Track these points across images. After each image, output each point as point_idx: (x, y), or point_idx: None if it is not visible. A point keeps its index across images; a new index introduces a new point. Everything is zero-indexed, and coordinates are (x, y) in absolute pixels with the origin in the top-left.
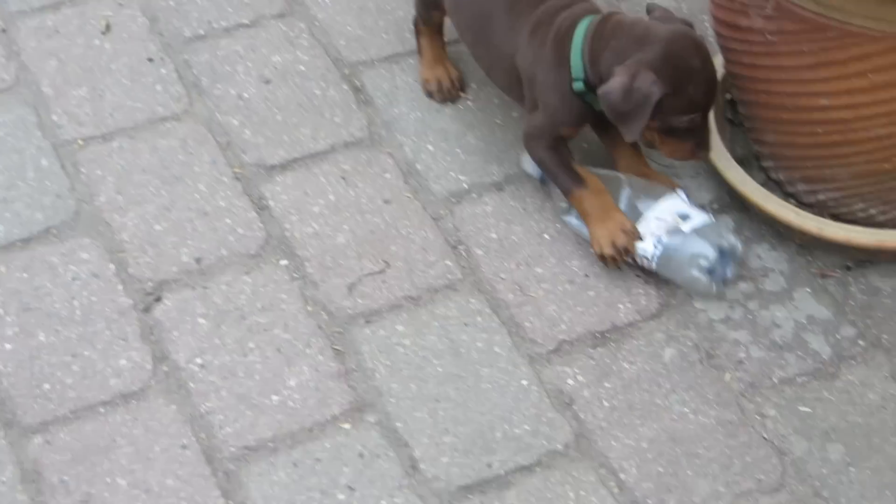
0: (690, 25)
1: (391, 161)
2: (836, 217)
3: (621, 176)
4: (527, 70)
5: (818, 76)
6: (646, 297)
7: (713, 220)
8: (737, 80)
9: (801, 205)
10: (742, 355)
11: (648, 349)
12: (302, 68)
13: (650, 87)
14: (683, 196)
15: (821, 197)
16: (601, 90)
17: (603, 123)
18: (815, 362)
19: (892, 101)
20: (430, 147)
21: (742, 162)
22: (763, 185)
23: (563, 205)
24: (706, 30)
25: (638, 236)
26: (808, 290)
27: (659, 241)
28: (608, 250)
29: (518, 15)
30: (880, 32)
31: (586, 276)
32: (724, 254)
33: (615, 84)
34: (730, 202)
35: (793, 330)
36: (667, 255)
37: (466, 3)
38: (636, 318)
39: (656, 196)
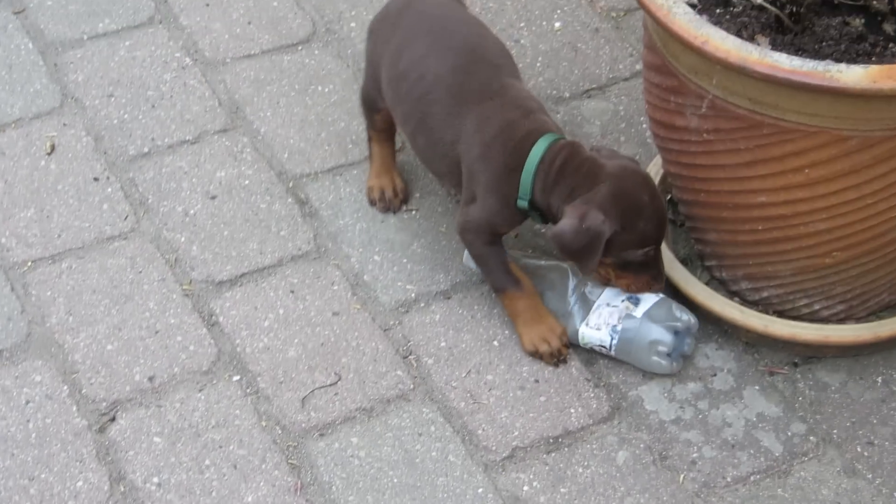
0: (635, 161)
1: (339, 273)
2: (781, 314)
3: (564, 265)
4: (469, 164)
5: (755, 173)
6: (596, 400)
7: (661, 296)
8: (676, 180)
9: (746, 303)
10: (695, 455)
11: (602, 453)
12: (246, 182)
13: (600, 226)
14: None
15: (765, 294)
16: (552, 231)
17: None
18: (768, 460)
19: (830, 196)
20: (377, 257)
21: (685, 262)
22: (707, 284)
23: None
24: (644, 131)
25: (568, 339)
26: (757, 387)
27: (614, 330)
28: (543, 348)
29: (462, 102)
30: (815, 127)
31: (536, 381)
32: (678, 333)
33: (565, 225)
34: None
35: (744, 428)
36: (625, 342)
37: (407, 91)
38: (588, 422)
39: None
